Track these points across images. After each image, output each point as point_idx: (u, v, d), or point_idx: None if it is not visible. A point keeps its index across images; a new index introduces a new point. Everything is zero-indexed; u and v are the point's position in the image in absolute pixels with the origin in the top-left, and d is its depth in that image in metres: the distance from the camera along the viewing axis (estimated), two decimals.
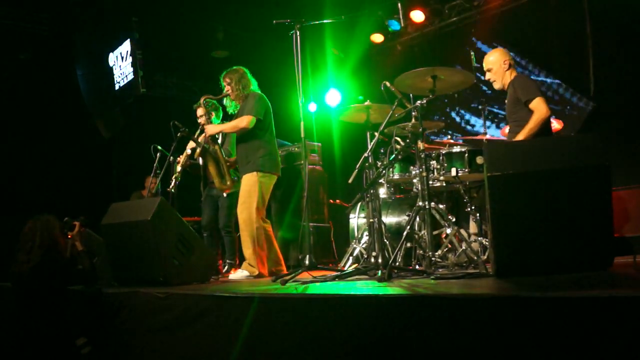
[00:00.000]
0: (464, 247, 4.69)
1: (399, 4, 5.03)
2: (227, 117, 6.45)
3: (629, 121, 6.91)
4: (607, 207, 3.24)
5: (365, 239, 5.62)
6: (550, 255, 3.28)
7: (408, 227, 4.61)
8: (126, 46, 9.39)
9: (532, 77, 7.40)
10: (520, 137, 4.91)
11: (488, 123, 6.37)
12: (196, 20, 9.31)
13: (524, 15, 8.25)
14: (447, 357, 2.41)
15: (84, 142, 9.94)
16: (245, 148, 5.82)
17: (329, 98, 10.13)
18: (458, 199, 5.85)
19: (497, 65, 5.22)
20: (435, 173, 5.19)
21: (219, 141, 6.21)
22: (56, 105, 9.75)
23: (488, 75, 5.29)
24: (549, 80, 8.04)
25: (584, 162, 3.27)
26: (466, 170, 5.03)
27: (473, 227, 5.34)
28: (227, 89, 5.96)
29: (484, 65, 5.31)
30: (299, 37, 4.73)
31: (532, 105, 4.86)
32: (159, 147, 6.52)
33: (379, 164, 5.53)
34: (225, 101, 6.11)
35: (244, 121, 5.69)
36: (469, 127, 8.78)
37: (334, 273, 4.53)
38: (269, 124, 5.89)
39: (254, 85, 6.00)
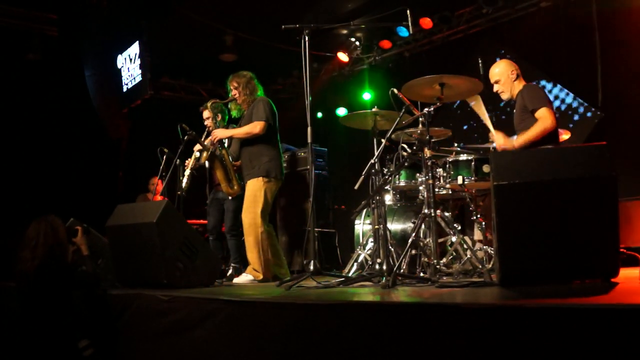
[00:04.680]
0: (469, 256, 4.69)
1: (408, 11, 5.01)
2: (232, 120, 6.46)
3: (637, 131, 6.89)
4: (614, 218, 3.23)
5: (370, 245, 5.61)
6: (556, 265, 3.27)
7: (413, 234, 4.60)
8: (135, 48, 9.43)
9: (539, 85, 7.40)
10: (520, 140, 4.90)
11: None
12: (204, 24, 9.33)
13: (532, 24, 8.25)
14: None
15: (91, 143, 9.96)
16: (250, 153, 5.83)
17: (338, 111, 10.32)
18: (464, 207, 5.83)
19: (504, 76, 5.21)
20: (442, 181, 5.18)
21: (226, 145, 6.22)
22: (64, 106, 9.77)
23: (496, 87, 5.27)
24: (556, 89, 8.03)
25: (590, 172, 3.25)
26: (472, 178, 5.01)
27: (478, 236, 5.33)
28: (233, 93, 5.98)
29: (490, 77, 5.30)
30: (307, 42, 4.73)
31: (537, 115, 4.85)
32: (166, 150, 6.52)
33: (385, 170, 5.53)
34: (231, 104, 6.12)
35: (257, 127, 5.71)
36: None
37: (339, 279, 4.52)
38: (275, 129, 5.91)
39: (260, 90, 6.01)
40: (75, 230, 4.69)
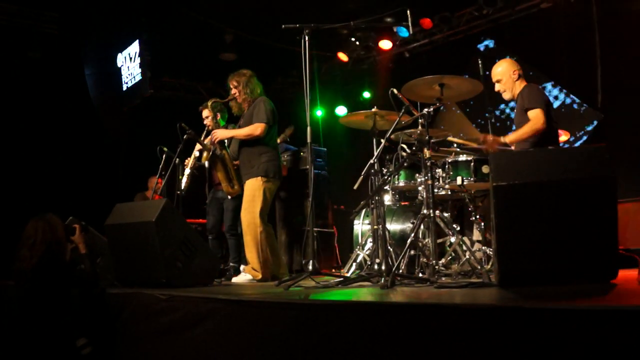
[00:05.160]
0: (467, 256, 4.68)
1: (408, 11, 5.02)
2: (232, 119, 6.45)
3: (636, 132, 6.88)
4: (613, 219, 3.23)
5: (369, 245, 5.61)
6: (554, 266, 3.27)
7: (412, 234, 4.60)
8: (135, 47, 9.42)
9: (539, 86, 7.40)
10: (512, 137, 4.91)
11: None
12: (205, 23, 9.32)
13: (532, 25, 8.25)
14: None
15: (90, 142, 9.95)
16: (249, 152, 5.82)
17: (338, 110, 10.31)
18: (463, 208, 5.83)
19: (506, 76, 5.20)
20: (441, 181, 5.18)
21: (226, 144, 6.21)
22: (64, 104, 9.76)
23: (497, 86, 5.27)
24: (556, 89, 8.03)
25: (590, 173, 3.25)
26: (472, 179, 5.01)
27: (477, 236, 5.33)
28: (233, 91, 5.97)
29: (492, 76, 5.30)
30: (307, 42, 4.73)
31: (530, 114, 4.86)
32: (165, 149, 6.52)
33: (385, 170, 5.53)
34: (231, 103, 6.12)
35: (258, 129, 5.71)
36: None
37: (337, 279, 4.52)
38: (274, 129, 5.91)
39: (260, 88, 6.00)
40: (73, 229, 4.69)
